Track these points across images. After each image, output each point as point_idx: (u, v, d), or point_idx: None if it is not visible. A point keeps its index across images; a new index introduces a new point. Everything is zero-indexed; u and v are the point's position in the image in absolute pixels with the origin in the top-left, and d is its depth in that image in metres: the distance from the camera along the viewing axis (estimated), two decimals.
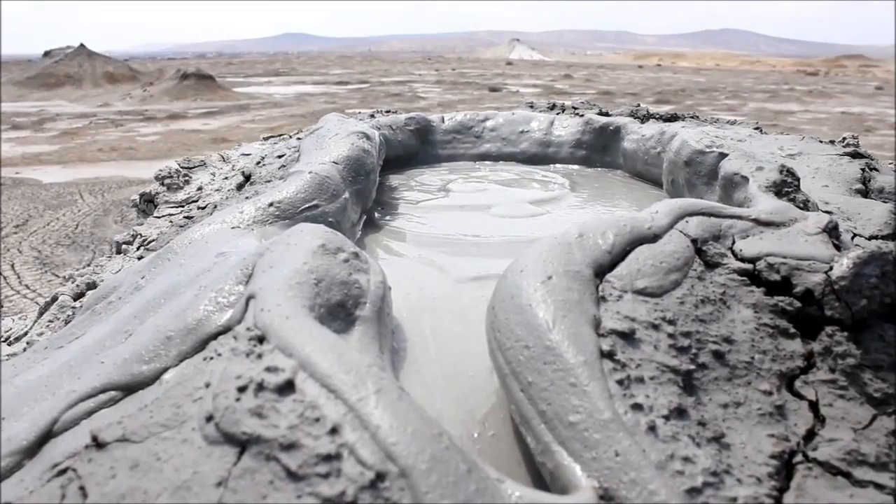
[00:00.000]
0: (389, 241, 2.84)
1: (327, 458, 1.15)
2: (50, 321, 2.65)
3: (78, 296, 2.74)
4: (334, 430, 1.18)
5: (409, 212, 3.30)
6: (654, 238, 1.78)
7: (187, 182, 3.54)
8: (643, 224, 1.80)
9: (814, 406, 1.59)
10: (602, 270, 1.68)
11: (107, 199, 13.69)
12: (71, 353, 1.81)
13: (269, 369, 1.30)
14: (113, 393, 1.53)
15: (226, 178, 3.41)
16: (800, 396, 1.61)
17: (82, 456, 1.33)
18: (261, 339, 1.41)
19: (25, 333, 2.72)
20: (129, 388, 1.52)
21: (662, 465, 1.32)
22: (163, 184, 3.53)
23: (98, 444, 1.33)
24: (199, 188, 3.40)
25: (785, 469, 1.46)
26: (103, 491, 1.23)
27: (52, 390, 1.63)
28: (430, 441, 1.18)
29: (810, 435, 1.54)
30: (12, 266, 9.89)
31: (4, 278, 9.40)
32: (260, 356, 1.35)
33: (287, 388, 1.26)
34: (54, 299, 2.79)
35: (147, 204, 3.57)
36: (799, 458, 1.49)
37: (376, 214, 3.19)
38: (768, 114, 27.61)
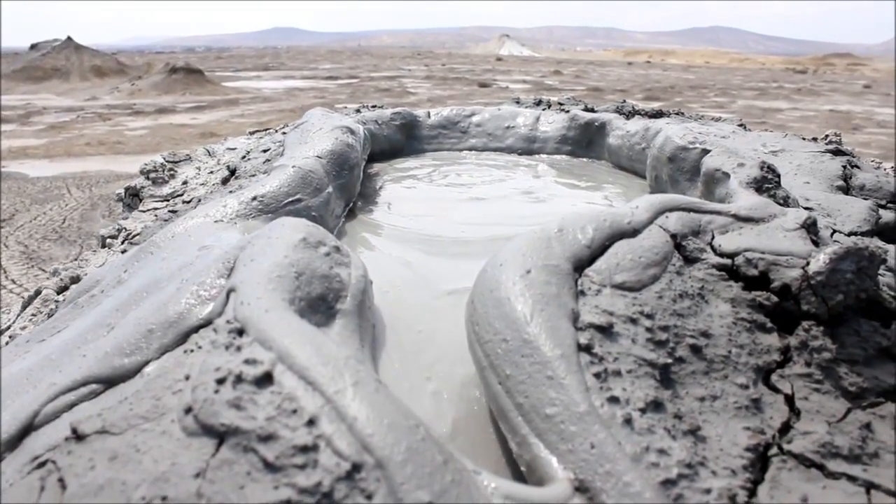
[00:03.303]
0: (370, 237, 2.83)
1: (304, 449, 1.16)
2: (33, 315, 2.64)
3: (62, 290, 2.74)
4: (311, 422, 1.19)
5: (392, 204, 3.28)
6: (633, 233, 1.80)
7: (172, 176, 3.53)
8: (623, 219, 1.82)
9: (789, 399, 1.61)
10: (581, 265, 1.70)
11: (94, 194, 13.62)
12: (53, 347, 1.81)
13: (247, 361, 1.30)
14: (94, 386, 1.52)
15: (211, 172, 3.41)
16: (776, 390, 1.63)
17: (62, 448, 1.33)
18: (240, 332, 1.41)
19: (8, 327, 2.71)
20: (110, 381, 1.52)
21: (638, 457, 1.33)
22: (148, 178, 3.52)
23: (77, 436, 1.33)
24: (185, 182, 3.39)
25: (760, 461, 1.48)
26: (82, 482, 1.23)
27: (34, 383, 1.62)
28: (407, 432, 1.19)
29: (785, 428, 1.56)
30: None
31: None
32: (239, 349, 1.36)
33: (265, 380, 1.27)
34: (38, 293, 2.78)
35: (132, 198, 3.56)
36: (774, 450, 1.51)
37: (359, 203, 3.18)
38: (757, 111, 27.72)
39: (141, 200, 3.44)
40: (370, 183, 3.55)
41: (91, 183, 14.58)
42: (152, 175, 3.50)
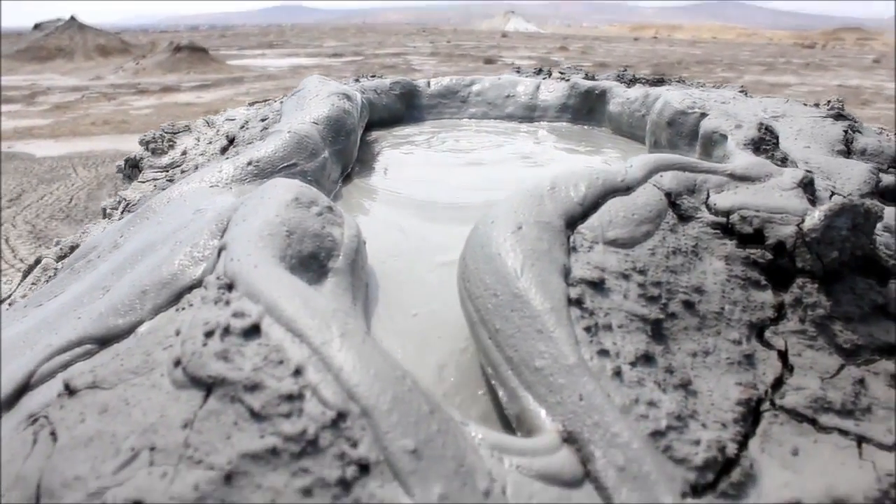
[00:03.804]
0: (366, 202, 2.81)
1: (290, 398, 1.16)
2: (33, 283, 2.65)
3: (61, 258, 2.75)
4: (297, 372, 1.19)
5: (389, 169, 3.26)
6: (626, 190, 1.79)
7: (172, 147, 3.53)
8: (616, 177, 1.80)
9: (783, 355, 1.61)
10: (573, 221, 1.69)
11: (100, 173, 13.62)
12: (49, 310, 1.82)
13: (235, 315, 1.31)
14: (89, 346, 1.54)
15: (210, 142, 3.40)
16: (769, 346, 1.63)
17: (55, 403, 1.34)
18: (230, 287, 1.41)
19: (10, 296, 2.73)
20: (104, 341, 1.53)
21: (626, 408, 1.33)
22: (147, 148, 3.52)
23: (70, 391, 1.34)
24: (184, 153, 3.39)
25: (752, 416, 1.48)
26: (73, 434, 1.24)
27: (31, 345, 1.64)
28: (393, 382, 1.19)
29: (778, 383, 1.56)
30: (6, 240, 9.84)
31: None
32: (228, 303, 1.36)
33: (252, 332, 1.27)
34: (38, 262, 2.79)
35: (132, 169, 3.56)
36: (766, 405, 1.51)
37: (356, 168, 3.17)
38: (764, 87, 27.43)
39: (141, 171, 3.44)
40: (368, 149, 3.53)
41: (97, 162, 14.57)
42: (152, 146, 3.50)
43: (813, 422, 1.49)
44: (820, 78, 32.99)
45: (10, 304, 2.48)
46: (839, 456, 1.43)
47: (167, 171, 3.28)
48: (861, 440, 1.46)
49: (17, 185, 12.73)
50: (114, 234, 2.18)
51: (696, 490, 1.29)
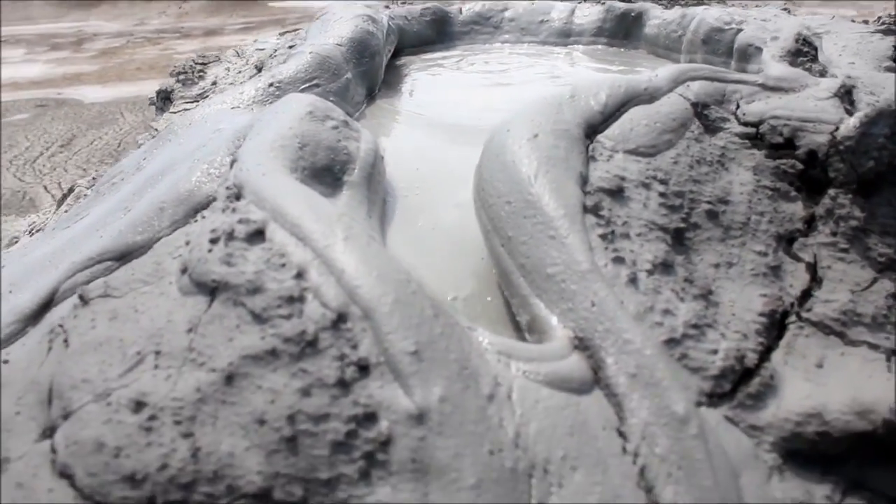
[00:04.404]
0: (388, 123, 2.74)
1: (290, 299, 1.15)
2: (66, 211, 2.69)
3: (93, 185, 2.78)
4: (299, 275, 1.18)
5: (414, 91, 3.19)
6: (650, 99, 1.71)
7: (202, 77, 3.51)
8: (640, 85, 1.73)
9: (811, 268, 1.55)
10: (593, 130, 1.62)
11: (147, 117, 13.63)
12: (75, 231, 1.84)
13: (241, 220, 1.29)
14: (108, 262, 1.54)
15: (240, 71, 3.38)
16: (797, 258, 1.57)
17: (70, 314, 1.36)
18: (237, 196, 1.40)
19: (45, 223, 2.78)
20: (122, 257, 1.54)
21: (641, 316, 1.30)
22: (178, 80, 3.51)
23: (84, 301, 1.36)
24: (214, 82, 3.37)
25: (776, 328, 1.43)
26: (83, 340, 1.25)
27: (56, 265, 1.66)
28: (396, 285, 1.17)
29: (805, 295, 1.51)
30: (59, 185, 10.04)
31: (52, 196, 9.55)
32: (234, 210, 1.35)
33: (256, 236, 1.26)
34: (71, 190, 2.83)
35: (164, 101, 3.55)
36: (792, 318, 1.46)
37: (381, 90, 3.08)
38: (822, 19, 26.30)
39: (172, 103, 3.43)
40: (396, 72, 3.45)
41: (143, 107, 14.58)
42: (182, 77, 3.48)
43: (841, 335, 1.44)
44: (882, 9, 31.50)
45: (42, 231, 2.52)
46: (867, 368, 1.38)
47: (197, 102, 3.27)
48: (892, 353, 1.40)
49: (68, 131, 12.87)
50: (138, 156, 2.19)
51: (712, 398, 1.26)
